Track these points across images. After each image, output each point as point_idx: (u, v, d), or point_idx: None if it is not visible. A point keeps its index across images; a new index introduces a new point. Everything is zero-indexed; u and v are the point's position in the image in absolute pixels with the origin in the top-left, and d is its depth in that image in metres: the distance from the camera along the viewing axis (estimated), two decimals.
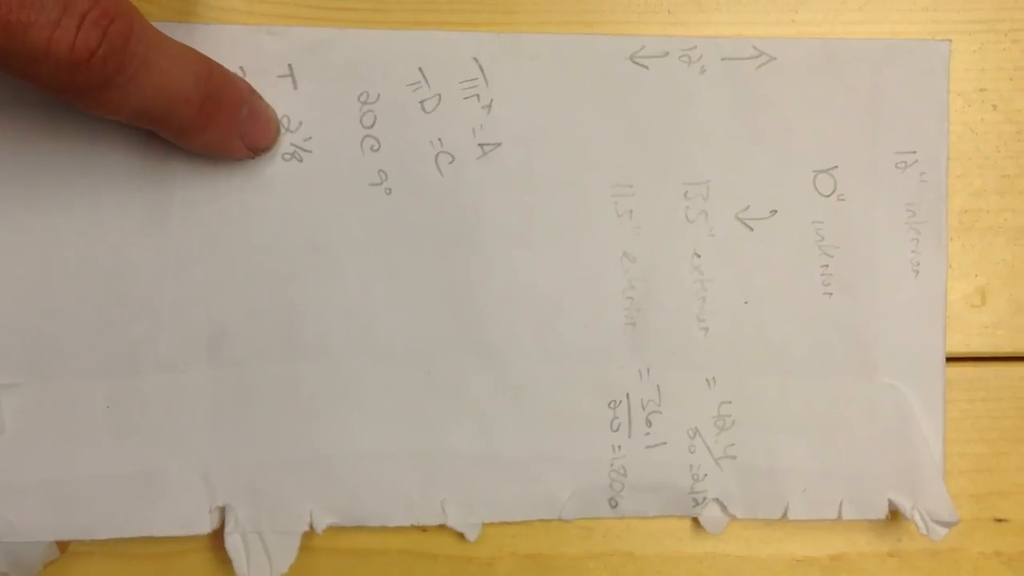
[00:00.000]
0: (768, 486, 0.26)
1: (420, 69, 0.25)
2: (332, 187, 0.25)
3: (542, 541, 0.26)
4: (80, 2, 0.19)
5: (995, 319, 0.27)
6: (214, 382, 0.25)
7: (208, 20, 0.25)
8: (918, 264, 0.26)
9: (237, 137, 0.23)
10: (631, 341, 0.26)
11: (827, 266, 0.26)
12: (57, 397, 0.24)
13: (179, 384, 0.24)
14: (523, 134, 0.26)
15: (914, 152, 0.26)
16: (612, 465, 0.26)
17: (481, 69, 0.25)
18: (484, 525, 0.26)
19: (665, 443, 0.26)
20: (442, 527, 0.26)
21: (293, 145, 0.25)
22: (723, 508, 0.26)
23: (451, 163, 0.25)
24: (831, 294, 0.26)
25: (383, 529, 0.25)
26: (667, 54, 0.26)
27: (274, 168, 0.25)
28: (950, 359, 0.27)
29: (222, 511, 0.25)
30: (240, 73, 0.25)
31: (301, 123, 0.25)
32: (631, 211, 0.26)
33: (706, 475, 0.26)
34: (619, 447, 0.26)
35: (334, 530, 0.25)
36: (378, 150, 0.25)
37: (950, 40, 0.27)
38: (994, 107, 0.27)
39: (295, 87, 0.25)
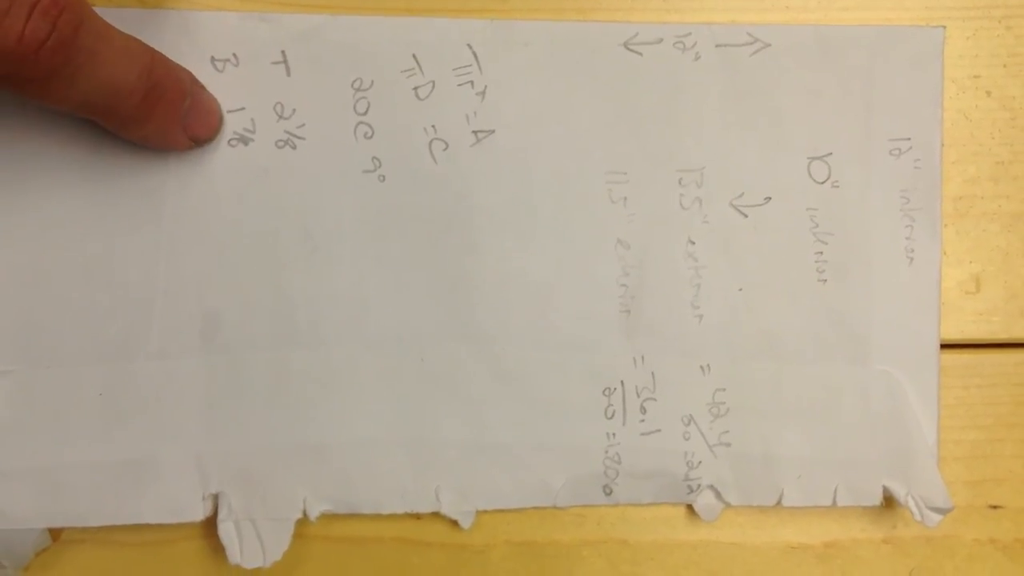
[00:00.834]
0: (762, 473, 0.26)
1: (414, 56, 0.25)
2: (325, 174, 0.25)
3: (536, 528, 0.26)
4: None
5: (989, 306, 0.27)
6: (207, 369, 0.25)
7: (201, 7, 0.25)
8: (912, 251, 0.26)
9: (179, 128, 0.23)
10: (625, 328, 0.26)
11: (821, 253, 0.26)
12: (50, 385, 0.24)
13: (172, 372, 0.24)
14: (517, 121, 0.25)
15: (908, 139, 0.26)
16: (606, 452, 0.26)
17: (475, 56, 0.25)
18: (478, 512, 0.26)
19: (659, 430, 0.26)
20: (436, 515, 0.26)
21: (287, 132, 0.25)
22: (717, 495, 0.26)
23: (445, 150, 0.25)
24: (825, 281, 0.26)
25: (377, 517, 0.25)
26: (661, 41, 0.26)
27: (268, 155, 0.25)
28: (945, 346, 0.27)
29: (215, 498, 0.25)
30: (233, 61, 0.25)
31: (295, 110, 0.25)
32: (625, 198, 0.26)
33: (700, 462, 0.26)
34: (613, 434, 0.26)
35: (328, 517, 0.25)
36: (372, 137, 0.25)
37: (944, 26, 0.27)
38: (988, 94, 0.27)
39: (288, 74, 0.25)
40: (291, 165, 0.25)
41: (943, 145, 0.27)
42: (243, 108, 0.25)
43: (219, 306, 0.25)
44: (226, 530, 0.24)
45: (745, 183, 0.26)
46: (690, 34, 0.26)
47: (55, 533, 0.25)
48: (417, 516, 0.26)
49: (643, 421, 0.26)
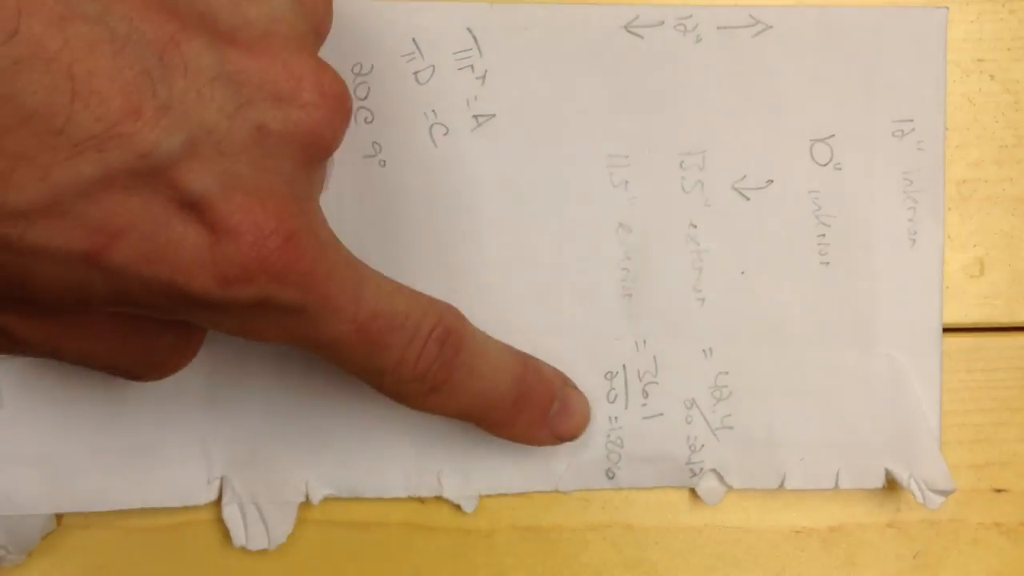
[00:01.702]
0: (765, 456, 0.26)
1: (414, 40, 0.25)
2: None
3: (541, 513, 0.26)
4: (429, 320, 0.20)
5: (993, 290, 0.27)
6: (212, 354, 0.25)
7: None
8: (915, 233, 0.26)
9: (545, 429, 0.24)
10: (627, 312, 0.26)
11: (824, 236, 0.26)
12: (54, 371, 0.24)
13: None
14: (518, 105, 0.25)
15: (911, 120, 0.26)
16: (609, 436, 0.26)
17: (475, 40, 0.25)
18: (481, 497, 0.26)
19: (662, 414, 0.26)
20: (440, 499, 0.26)
21: None
22: (720, 478, 0.26)
23: (445, 135, 0.25)
24: (828, 264, 0.26)
25: (381, 501, 0.25)
26: (662, 23, 0.26)
27: None
28: (948, 330, 0.27)
29: (220, 482, 0.25)
30: None
31: None
32: (627, 182, 0.26)
33: (703, 446, 0.26)
34: (616, 418, 0.26)
35: (332, 501, 0.25)
36: (372, 122, 0.25)
37: (947, 7, 0.26)
38: (992, 77, 0.27)
39: None
40: None
41: (946, 128, 0.26)
42: None
43: None
44: (230, 513, 0.24)
45: (747, 166, 0.26)
46: (691, 16, 0.26)
47: (60, 518, 0.25)
48: (421, 500, 0.26)
49: (645, 405, 0.26)
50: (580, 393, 0.25)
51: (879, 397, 0.26)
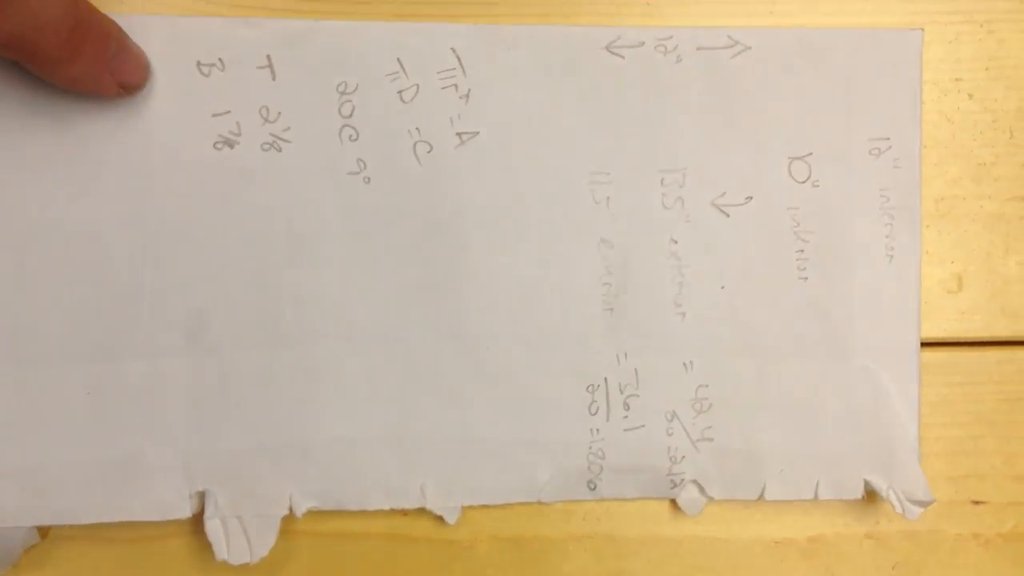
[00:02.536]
0: (745, 467, 0.26)
1: (398, 59, 0.26)
2: (311, 176, 0.25)
3: (523, 524, 0.27)
4: None
5: (970, 305, 0.28)
6: (193, 368, 0.25)
7: (188, 13, 0.25)
8: (892, 248, 0.27)
9: (107, 72, 0.23)
10: (609, 326, 0.26)
11: (802, 251, 0.27)
12: (37, 383, 0.24)
13: (159, 370, 0.25)
14: (501, 123, 0.26)
15: (888, 139, 0.27)
16: (591, 448, 0.26)
17: (459, 59, 0.26)
18: (463, 508, 0.26)
19: (643, 426, 0.26)
20: (422, 511, 0.26)
21: (272, 135, 0.25)
22: (700, 489, 0.26)
23: (429, 152, 0.26)
24: (806, 278, 0.27)
25: (363, 513, 0.26)
26: (643, 44, 0.26)
27: (254, 157, 0.25)
28: (927, 344, 0.27)
29: (201, 496, 0.25)
30: (219, 65, 0.25)
31: (280, 113, 0.25)
32: (608, 198, 0.26)
33: (684, 457, 0.26)
34: (597, 430, 0.26)
35: (314, 514, 0.25)
36: (356, 140, 0.26)
37: (923, 29, 0.27)
38: (970, 96, 0.28)
39: (274, 78, 0.25)
40: (277, 167, 0.25)
41: (925, 147, 0.27)
42: (229, 112, 0.25)
43: (205, 306, 0.25)
44: (213, 527, 0.24)
45: (727, 183, 0.26)
46: (671, 37, 0.26)
47: (43, 530, 0.25)
48: (404, 512, 0.26)
49: (627, 417, 0.26)
50: (135, 43, 0.24)
51: (858, 409, 0.26)
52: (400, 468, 0.25)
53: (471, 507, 0.26)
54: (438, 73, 0.26)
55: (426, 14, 0.26)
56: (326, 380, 0.25)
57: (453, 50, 0.26)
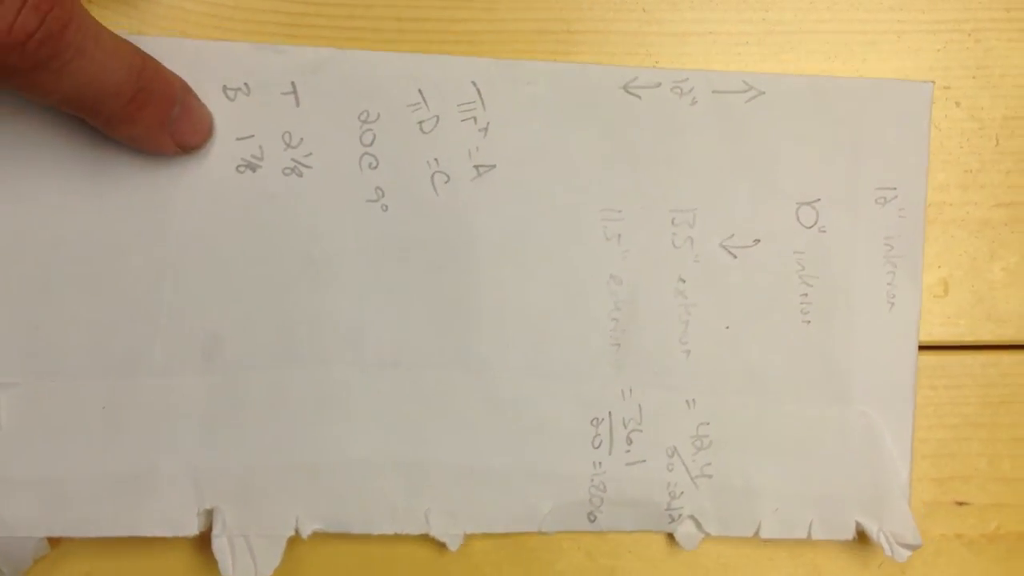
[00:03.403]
0: (742, 505, 0.27)
1: (420, 91, 0.26)
2: (330, 202, 0.26)
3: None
4: None
5: (957, 309, 0.28)
6: (207, 387, 0.25)
7: (216, 38, 0.26)
8: (894, 296, 0.27)
9: (166, 133, 0.24)
10: (615, 361, 0.27)
11: (806, 295, 0.27)
12: (53, 397, 0.25)
13: (173, 388, 0.25)
14: (517, 157, 0.26)
15: (894, 188, 0.27)
16: (592, 481, 0.27)
17: (479, 93, 0.26)
18: (466, 535, 0.26)
19: (644, 461, 0.27)
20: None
21: (294, 160, 0.26)
22: (698, 525, 0.27)
23: (447, 183, 0.26)
24: (809, 322, 0.27)
25: (367, 536, 0.26)
26: (659, 85, 0.27)
27: (275, 182, 0.26)
28: None
29: (210, 514, 0.25)
30: (245, 90, 0.25)
31: (302, 139, 0.26)
32: (619, 235, 0.27)
33: (682, 493, 0.27)
34: (600, 463, 0.27)
35: (319, 535, 0.26)
36: (376, 168, 0.26)
37: (933, 82, 0.28)
38: (957, 104, 0.28)
39: (297, 104, 0.26)
40: (297, 192, 0.26)
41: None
42: (252, 136, 0.25)
43: (221, 326, 0.25)
44: (220, 545, 0.25)
45: (735, 225, 0.27)
46: (687, 79, 0.27)
47: (54, 541, 0.26)
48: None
49: (629, 451, 0.27)
50: (201, 101, 0.25)
51: (853, 452, 0.27)
52: (406, 494, 0.26)
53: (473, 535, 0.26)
54: (458, 106, 0.26)
55: (449, 48, 0.27)
56: (337, 403, 0.26)
57: (474, 83, 0.26)
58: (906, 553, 0.27)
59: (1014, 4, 0.28)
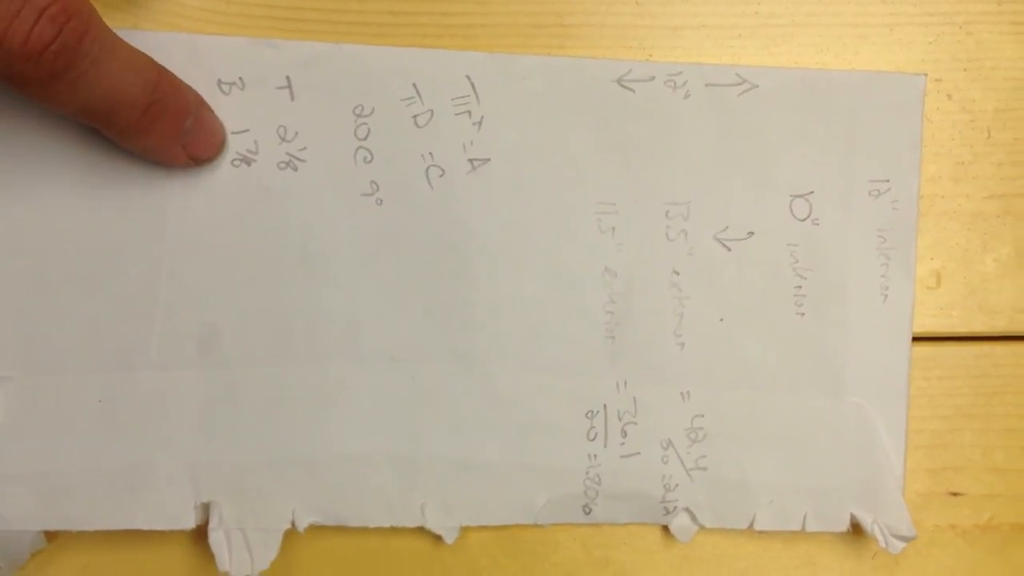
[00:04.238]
0: (736, 497, 0.27)
1: (414, 85, 0.26)
2: (325, 196, 0.26)
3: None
4: None
5: (950, 300, 0.28)
6: (203, 382, 0.25)
7: (211, 32, 0.26)
8: (887, 288, 0.27)
9: (179, 145, 0.24)
10: (610, 354, 0.27)
11: (800, 287, 0.27)
12: (49, 391, 0.25)
13: (170, 382, 0.25)
14: (512, 151, 0.26)
15: (887, 181, 0.27)
16: (587, 473, 0.27)
17: (473, 87, 0.26)
18: (461, 528, 0.26)
19: (639, 453, 0.27)
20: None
21: (289, 154, 0.26)
22: (692, 517, 0.27)
23: (441, 177, 0.26)
24: (803, 314, 0.27)
25: (364, 529, 0.26)
26: (653, 78, 0.27)
27: (269, 176, 0.26)
28: None
29: (206, 507, 0.25)
30: (239, 84, 0.25)
31: (297, 133, 0.26)
32: (614, 228, 0.27)
33: (677, 485, 0.27)
34: (595, 456, 0.27)
35: (316, 529, 0.26)
36: (371, 162, 0.26)
37: (926, 74, 0.28)
38: (949, 97, 0.28)
39: (292, 98, 0.26)
40: (292, 186, 0.26)
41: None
42: (247, 130, 0.25)
43: (218, 320, 0.25)
44: (216, 539, 0.25)
45: (729, 218, 0.27)
46: (681, 73, 0.27)
47: (51, 535, 0.26)
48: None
49: (623, 444, 0.27)
50: (215, 114, 0.25)
51: (847, 444, 0.27)
52: (402, 487, 0.26)
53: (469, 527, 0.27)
54: (452, 100, 0.26)
55: (443, 42, 0.27)
56: (333, 398, 0.26)
57: (468, 78, 0.26)
58: (900, 544, 0.27)
59: None
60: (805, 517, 0.27)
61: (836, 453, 0.27)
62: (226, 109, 0.25)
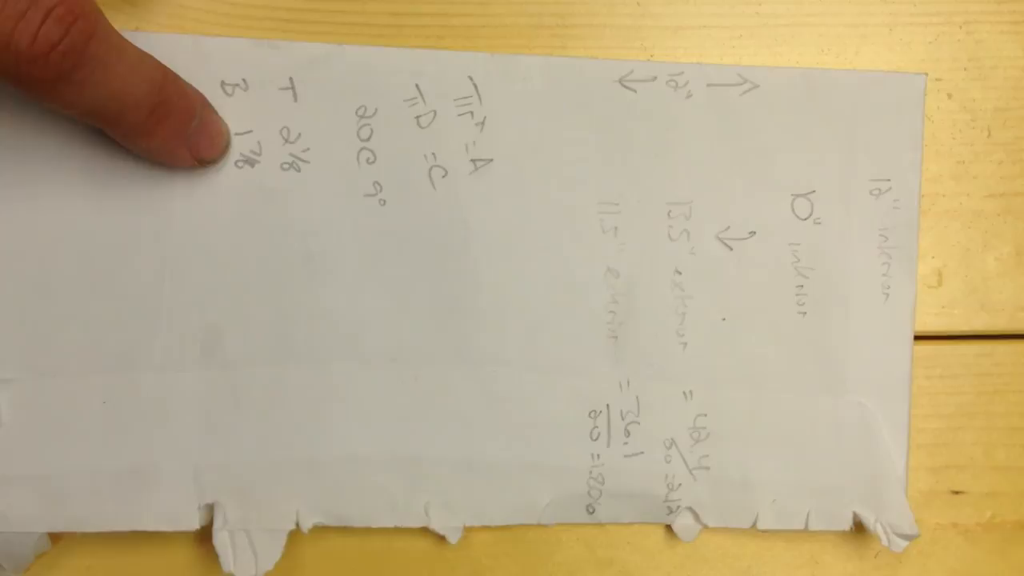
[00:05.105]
0: (739, 496, 0.27)
1: (417, 86, 0.26)
2: (328, 197, 0.26)
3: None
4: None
5: (951, 299, 0.28)
6: (207, 383, 0.25)
7: (215, 33, 0.26)
8: (888, 287, 0.27)
9: (184, 146, 0.24)
10: (613, 354, 0.27)
11: (802, 287, 0.27)
12: (53, 393, 0.25)
13: (173, 384, 0.25)
14: (514, 151, 0.26)
15: (888, 180, 0.27)
16: (591, 473, 0.27)
17: (476, 88, 0.26)
18: (465, 528, 0.26)
19: (642, 453, 0.27)
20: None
21: (292, 155, 0.26)
22: (695, 517, 0.27)
23: (444, 177, 0.26)
24: (805, 314, 0.27)
25: (367, 529, 0.26)
26: (655, 78, 0.27)
27: (273, 177, 0.26)
28: None
29: (210, 508, 0.25)
30: (243, 85, 0.25)
31: (300, 134, 0.26)
32: (616, 228, 0.27)
33: (680, 484, 0.27)
34: (598, 456, 0.27)
35: (320, 529, 0.26)
36: (374, 162, 0.26)
37: (926, 74, 0.28)
38: (949, 96, 0.28)
39: (295, 99, 0.26)
40: (295, 187, 0.26)
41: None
42: (250, 131, 0.26)
43: (221, 321, 0.25)
44: (221, 540, 0.25)
45: (731, 217, 0.27)
46: (683, 73, 0.27)
47: (55, 536, 0.26)
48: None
49: (627, 444, 0.27)
50: (219, 116, 0.25)
51: (849, 443, 0.27)
52: (406, 487, 0.26)
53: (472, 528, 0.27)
54: (455, 100, 0.26)
55: (445, 43, 0.27)
56: (336, 398, 0.26)
57: (470, 78, 0.26)
58: (903, 543, 0.27)
59: None
60: (808, 516, 0.27)
61: (838, 452, 0.27)
62: (229, 110, 0.25)
